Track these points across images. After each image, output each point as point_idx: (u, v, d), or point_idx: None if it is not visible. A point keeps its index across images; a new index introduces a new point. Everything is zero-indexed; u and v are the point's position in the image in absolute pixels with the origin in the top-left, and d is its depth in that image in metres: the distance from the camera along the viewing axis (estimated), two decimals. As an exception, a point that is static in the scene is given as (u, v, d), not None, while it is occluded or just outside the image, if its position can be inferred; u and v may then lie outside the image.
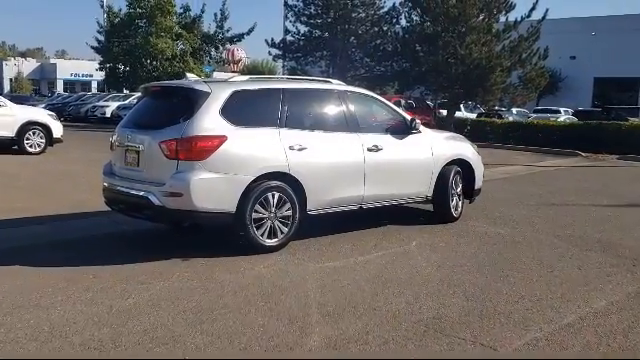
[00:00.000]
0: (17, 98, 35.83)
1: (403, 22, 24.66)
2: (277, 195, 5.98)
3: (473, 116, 27.15)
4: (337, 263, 5.73)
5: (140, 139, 5.97)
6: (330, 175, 6.42)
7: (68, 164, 13.22)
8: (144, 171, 5.92)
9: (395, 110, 7.38)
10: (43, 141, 14.93)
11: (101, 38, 37.99)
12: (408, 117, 7.34)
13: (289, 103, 6.28)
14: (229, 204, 5.72)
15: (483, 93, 22.08)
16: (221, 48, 38.04)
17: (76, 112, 32.46)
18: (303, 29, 28.53)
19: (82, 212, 7.88)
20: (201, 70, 35.78)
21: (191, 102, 5.81)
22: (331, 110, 6.75)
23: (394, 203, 7.16)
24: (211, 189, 5.64)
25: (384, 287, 4.97)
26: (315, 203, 6.32)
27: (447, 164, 7.56)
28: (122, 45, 36.84)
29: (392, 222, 7.46)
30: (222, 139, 5.68)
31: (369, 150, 6.73)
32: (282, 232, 6.06)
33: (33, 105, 26.85)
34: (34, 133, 14.82)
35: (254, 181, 5.81)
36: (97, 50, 38.02)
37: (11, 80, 71.00)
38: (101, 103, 31.95)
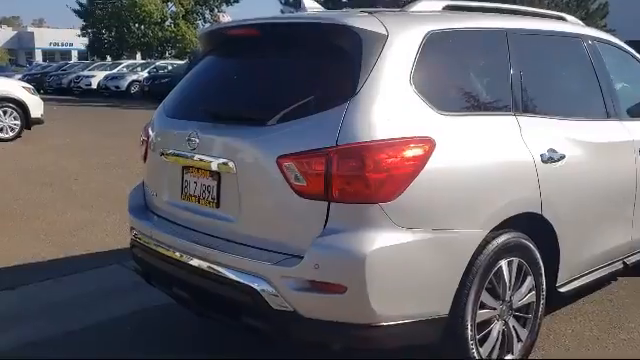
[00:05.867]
0: (-9, 69, 32.31)
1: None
2: (516, 263, 2.74)
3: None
4: None
5: (222, 146, 2.63)
6: (596, 209, 3.18)
7: (53, 155, 9.73)
8: (238, 220, 2.56)
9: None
10: (17, 123, 11.56)
11: (83, 0, 34.93)
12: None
13: (520, 61, 2.97)
14: (440, 300, 2.45)
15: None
16: (216, 10, 35.49)
17: (57, 83, 29.64)
18: (325, -18, 24.79)
19: (81, 254, 4.67)
20: (195, 36, 32.93)
21: (346, 59, 2.46)
22: (580, 76, 3.48)
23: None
24: (409, 273, 2.35)
25: None
26: (572, 268, 3.11)
27: None
28: (106, 7, 34.17)
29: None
30: (428, 146, 2.38)
31: (640, 153, 3.50)
32: (519, 339, 2.83)
33: (8, 76, 23.37)
34: (5, 112, 11.45)
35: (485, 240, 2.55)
36: (79, 14, 35.17)
37: (-15, 50, 66.71)
38: (86, 73, 29.34)
